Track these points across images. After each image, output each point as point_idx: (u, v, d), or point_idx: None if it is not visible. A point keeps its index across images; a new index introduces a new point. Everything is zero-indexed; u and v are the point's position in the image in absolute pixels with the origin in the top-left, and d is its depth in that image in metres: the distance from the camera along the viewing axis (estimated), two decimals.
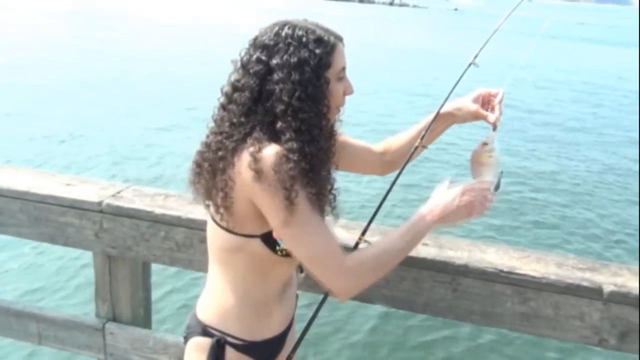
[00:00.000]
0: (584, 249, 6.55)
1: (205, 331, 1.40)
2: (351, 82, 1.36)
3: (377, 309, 4.49)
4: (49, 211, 1.93)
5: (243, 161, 1.20)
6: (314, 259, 1.27)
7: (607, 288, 1.55)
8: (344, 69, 1.31)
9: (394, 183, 1.49)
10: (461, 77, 1.55)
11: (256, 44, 1.27)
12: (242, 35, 1.31)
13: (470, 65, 1.56)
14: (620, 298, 1.53)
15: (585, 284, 1.56)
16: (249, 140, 1.21)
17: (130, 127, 10.34)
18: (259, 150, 1.18)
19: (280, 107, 1.21)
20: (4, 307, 2.11)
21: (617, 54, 32.65)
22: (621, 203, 8.34)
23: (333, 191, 1.38)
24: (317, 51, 1.24)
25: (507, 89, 1.49)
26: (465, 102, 1.53)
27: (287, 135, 1.20)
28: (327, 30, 1.29)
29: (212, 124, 1.32)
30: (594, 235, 7.07)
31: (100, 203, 1.88)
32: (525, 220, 7.35)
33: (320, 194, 1.26)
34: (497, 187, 1.43)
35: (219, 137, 1.25)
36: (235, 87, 1.26)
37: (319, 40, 1.25)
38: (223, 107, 1.29)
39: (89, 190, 1.96)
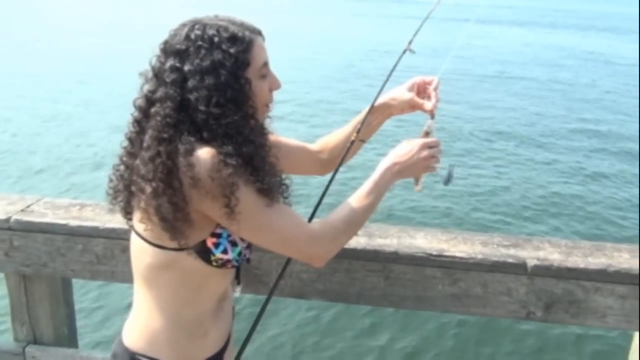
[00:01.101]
0: (511, 225, 6.79)
1: (133, 359, 1.30)
2: (277, 77, 1.31)
3: (312, 304, 4.48)
4: None
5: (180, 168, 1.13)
6: (282, 242, 1.26)
7: (531, 262, 1.59)
8: (266, 64, 1.25)
9: (331, 181, 1.45)
10: (396, 64, 1.53)
11: (167, 50, 1.18)
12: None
13: (405, 51, 1.54)
14: (543, 271, 1.59)
15: (510, 260, 1.60)
16: (181, 147, 1.12)
17: (39, 135, 9.74)
18: (192, 154, 1.11)
19: (201, 117, 1.14)
20: None
21: (543, 34, 34.38)
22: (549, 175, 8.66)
23: (284, 182, 1.36)
24: (232, 50, 1.17)
25: (444, 75, 1.49)
26: (399, 91, 1.51)
27: (218, 142, 1.14)
28: (241, 25, 1.22)
29: (126, 143, 1.22)
30: (521, 209, 7.34)
31: (7, 220, 1.75)
32: (459, 202, 7.54)
33: (270, 188, 1.21)
34: (449, 179, 1.45)
35: (146, 155, 1.15)
36: (152, 99, 1.17)
37: (233, 38, 1.18)
38: (138, 122, 1.19)
39: None
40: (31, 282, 1.85)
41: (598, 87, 16.48)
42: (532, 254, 1.64)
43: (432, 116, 1.46)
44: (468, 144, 10.23)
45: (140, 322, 1.32)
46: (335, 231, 1.29)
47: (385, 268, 1.65)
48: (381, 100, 1.53)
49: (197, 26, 1.18)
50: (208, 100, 1.13)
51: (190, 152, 1.11)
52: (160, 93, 1.15)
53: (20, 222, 1.74)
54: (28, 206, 1.82)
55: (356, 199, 1.33)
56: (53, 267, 1.77)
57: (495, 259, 1.61)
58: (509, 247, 1.67)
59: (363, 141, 1.54)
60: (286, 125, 10.12)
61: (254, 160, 1.17)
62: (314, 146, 1.63)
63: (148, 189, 1.13)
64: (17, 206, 1.82)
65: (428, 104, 1.47)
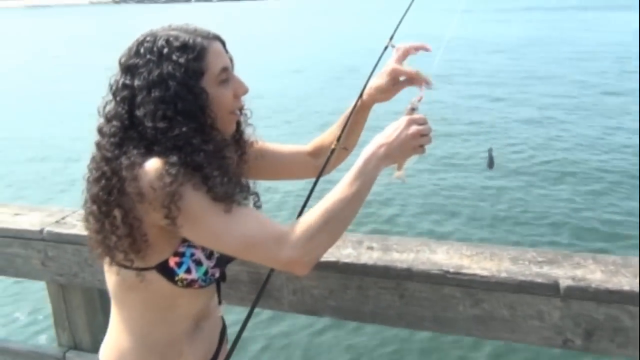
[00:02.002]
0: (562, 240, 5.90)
1: None
2: (242, 80, 1.24)
3: (325, 321, 4.21)
4: None
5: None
6: (246, 246, 1.13)
7: (564, 283, 1.38)
8: (225, 69, 1.19)
9: (310, 192, 1.35)
10: (378, 61, 1.41)
11: (122, 67, 1.16)
12: None
13: (386, 48, 1.42)
14: (578, 293, 1.37)
15: (539, 280, 1.40)
16: (124, 162, 1.09)
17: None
18: (136, 167, 1.08)
19: (150, 132, 1.10)
20: None
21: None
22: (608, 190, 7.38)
23: (245, 186, 1.25)
24: (182, 60, 1.12)
25: (435, 70, 1.35)
26: (379, 78, 1.40)
27: (167, 154, 1.10)
28: (194, 32, 1.17)
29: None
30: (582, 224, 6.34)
31: (41, 231, 1.84)
32: (504, 214, 6.78)
33: (225, 193, 1.12)
34: (491, 162, 1.32)
35: (92, 176, 1.14)
36: (107, 119, 1.16)
37: (184, 47, 1.13)
38: (97, 145, 1.17)
39: (34, 218, 1.92)
40: (67, 290, 1.94)
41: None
42: (569, 272, 1.42)
43: (422, 86, 1.32)
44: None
45: (112, 342, 1.31)
46: (310, 229, 1.12)
47: (399, 285, 1.52)
48: (366, 96, 1.42)
49: (148, 38, 1.15)
50: (154, 114, 1.09)
51: (133, 165, 1.08)
52: (111, 112, 1.14)
53: (52, 234, 1.83)
54: (63, 218, 1.90)
55: (336, 190, 1.16)
56: (83, 277, 1.84)
57: (522, 278, 1.41)
58: (542, 265, 1.47)
59: (346, 149, 1.42)
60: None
61: (205, 168, 1.10)
62: (308, 148, 1.54)
63: (96, 211, 1.12)
64: (53, 218, 1.91)
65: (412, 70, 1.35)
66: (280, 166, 1.52)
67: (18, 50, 27.13)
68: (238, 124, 1.32)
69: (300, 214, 1.31)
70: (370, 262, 1.53)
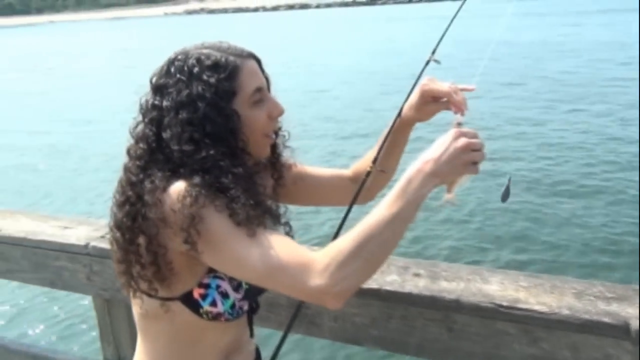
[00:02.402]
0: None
1: None
2: (277, 101, 1.17)
3: (364, 351, 3.91)
4: (45, 256, 1.93)
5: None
6: (270, 273, 1.00)
7: (636, 324, 1.22)
8: (259, 90, 1.13)
9: (344, 219, 1.25)
10: (419, 77, 1.30)
11: (152, 87, 1.12)
12: None
13: (428, 62, 1.31)
14: None
15: (606, 319, 1.24)
16: (148, 185, 1.04)
17: None
18: (161, 191, 1.03)
19: (176, 155, 1.05)
20: (23, 351, 2.14)
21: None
22: None
23: (277, 211, 1.17)
24: (212, 80, 1.06)
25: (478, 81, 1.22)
26: (414, 94, 1.29)
27: (191, 176, 1.04)
28: (226, 50, 1.11)
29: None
30: None
31: (86, 246, 1.84)
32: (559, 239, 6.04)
33: (249, 217, 1.03)
34: (506, 194, 1.17)
35: (117, 200, 1.09)
36: (135, 141, 1.12)
37: (215, 66, 1.07)
38: (124, 167, 1.12)
39: (81, 232, 1.93)
40: (112, 305, 1.93)
41: None
42: None
43: (461, 111, 1.19)
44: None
45: None
46: (341, 254, 0.98)
47: (447, 318, 1.39)
48: (404, 113, 1.31)
49: (179, 57, 1.10)
50: (180, 137, 1.04)
51: (156, 189, 1.02)
52: (139, 133, 1.09)
53: (97, 249, 1.83)
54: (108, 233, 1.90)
55: (375, 212, 1.02)
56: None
57: (587, 316, 1.26)
58: (611, 301, 1.30)
59: (383, 171, 1.31)
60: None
61: (230, 189, 1.03)
62: (349, 172, 1.44)
63: (119, 238, 1.08)
64: (99, 232, 1.91)
65: (446, 85, 1.21)
66: (320, 191, 1.43)
67: (103, 61, 28.48)
68: (274, 146, 1.25)
69: (336, 235, 1.23)
70: (415, 290, 1.42)
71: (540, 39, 23.15)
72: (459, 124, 1.13)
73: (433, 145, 1.08)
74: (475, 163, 1.06)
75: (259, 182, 1.12)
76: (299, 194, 1.38)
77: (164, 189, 1.02)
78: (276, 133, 1.24)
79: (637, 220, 6.11)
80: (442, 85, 1.21)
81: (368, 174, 1.28)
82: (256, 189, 1.09)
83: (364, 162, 1.39)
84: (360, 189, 1.26)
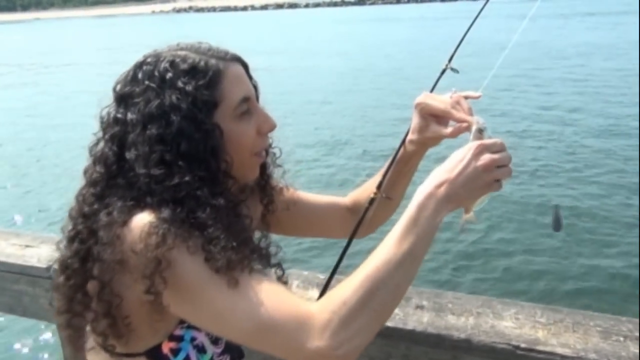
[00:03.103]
0: None
1: None
2: (267, 114, 0.98)
3: None
4: (3, 279, 1.73)
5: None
6: (257, 329, 0.82)
7: None
8: (246, 99, 0.94)
9: (342, 254, 1.06)
10: (434, 87, 1.12)
11: (115, 96, 0.93)
12: None
13: (444, 71, 1.13)
14: None
15: None
16: (103, 219, 0.85)
17: None
18: (117, 224, 0.84)
19: (142, 180, 0.86)
20: None
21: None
22: None
23: (266, 250, 0.96)
24: (189, 87, 0.87)
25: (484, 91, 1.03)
26: (415, 119, 1.07)
27: (160, 207, 0.85)
28: (206, 52, 0.93)
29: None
30: None
31: (48, 268, 1.64)
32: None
33: (230, 262, 0.84)
34: (558, 224, 1.00)
35: (66, 235, 0.91)
36: (92, 162, 0.93)
37: (192, 71, 0.89)
38: (77, 195, 0.93)
39: (43, 252, 1.73)
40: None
41: None
42: None
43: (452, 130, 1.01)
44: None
45: None
46: (348, 308, 0.80)
47: (456, 358, 1.22)
48: (411, 137, 1.10)
49: (148, 60, 0.91)
50: (147, 157, 0.85)
51: (113, 223, 0.83)
52: (97, 153, 0.90)
53: None
54: None
55: (382, 250, 0.84)
56: None
57: None
58: None
59: (389, 198, 1.12)
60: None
61: (208, 227, 0.84)
62: (346, 201, 1.24)
63: (62, 283, 0.89)
64: None
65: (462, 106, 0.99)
66: (314, 220, 1.23)
67: (89, 58, 27.79)
68: (263, 166, 1.07)
69: (327, 284, 1.05)
70: (419, 327, 1.24)
71: (563, 40, 21.95)
72: (481, 131, 0.93)
73: (448, 160, 0.89)
74: (498, 180, 0.89)
75: (244, 213, 0.94)
76: (291, 222, 1.20)
77: (124, 223, 0.83)
78: (266, 151, 1.05)
79: None
80: (441, 100, 1.01)
81: (372, 201, 1.09)
82: (241, 224, 0.90)
83: (363, 190, 1.20)
84: (363, 218, 1.08)
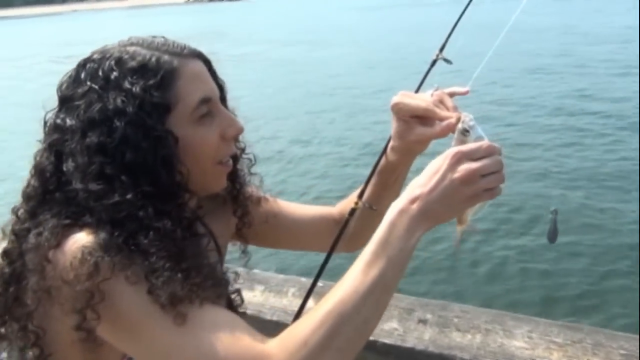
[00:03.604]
0: None
1: None
2: (233, 116, 0.87)
3: None
4: None
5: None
6: None
7: None
8: (206, 100, 0.82)
9: (317, 276, 0.94)
10: (423, 80, 0.99)
11: (58, 98, 0.81)
12: None
13: (435, 62, 1.00)
14: None
15: None
16: (31, 239, 0.75)
17: None
18: (46, 246, 0.72)
19: (81, 196, 0.75)
20: None
21: None
22: None
23: (231, 289, 0.85)
24: (136, 89, 0.76)
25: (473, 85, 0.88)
26: (394, 123, 0.92)
27: (98, 227, 0.74)
28: (160, 48, 0.81)
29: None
30: None
31: None
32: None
33: (177, 296, 0.72)
34: (554, 234, 0.86)
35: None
36: (30, 175, 0.81)
37: (141, 69, 0.78)
38: (12, 211, 0.82)
39: None
40: None
41: None
42: None
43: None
44: None
45: None
46: (308, 349, 0.70)
47: None
48: (393, 144, 0.95)
49: (94, 57, 0.80)
50: (84, 170, 0.74)
51: (40, 246, 0.72)
52: (37, 163, 0.80)
53: None
54: None
55: (349, 278, 0.73)
56: None
57: None
58: None
59: (372, 208, 0.98)
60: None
61: (150, 257, 0.72)
62: (334, 212, 1.11)
63: None
64: None
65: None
66: (297, 233, 1.10)
67: None
68: (234, 175, 0.96)
69: (298, 314, 0.94)
70: (420, 345, 1.13)
71: (562, 24, 20.06)
72: (465, 132, 0.79)
73: (424, 171, 0.76)
74: (491, 189, 0.76)
75: (201, 232, 0.83)
76: (271, 235, 1.09)
77: (57, 245, 0.72)
78: (236, 157, 0.94)
79: None
80: (421, 98, 0.87)
81: (352, 212, 0.97)
82: (194, 246, 0.79)
83: (349, 201, 1.07)
84: (343, 230, 0.96)
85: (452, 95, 0.86)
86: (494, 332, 1.14)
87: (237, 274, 0.88)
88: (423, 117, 0.88)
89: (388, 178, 0.91)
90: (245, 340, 0.72)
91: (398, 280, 0.75)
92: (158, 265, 0.72)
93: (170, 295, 0.71)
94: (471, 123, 0.79)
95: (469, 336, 1.14)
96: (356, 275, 0.72)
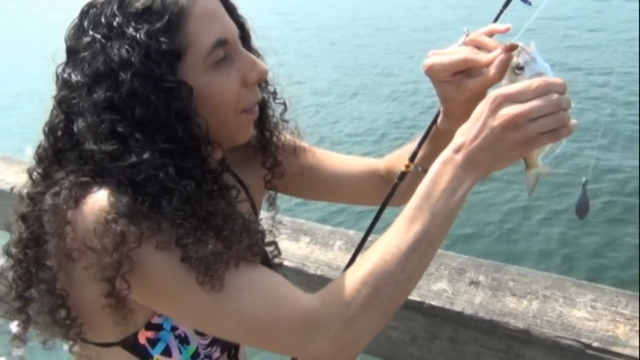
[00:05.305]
0: None
1: None
2: (255, 58, 0.78)
3: None
4: None
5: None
6: (251, 331, 0.72)
7: None
8: (221, 43, 0.73)
9: (364, 238, 0.89)
10: (496, 19, 0.86)
11: (66, 51, 0.75)
12: None
13: (510, 1, 0.86)
14: None
15: None
16: (48, 199, 0.71)
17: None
18: (73, 205, 0.68)
19: (97, 157, 0.69)
20: None
21: None
22: None
23: (266, 242, 0.80)
24: (141, 35, 0.68)
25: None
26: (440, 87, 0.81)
27: (119, 188, 0.69)
28: None
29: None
30: None
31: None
32: None
33: (211, 261, 0.69)
34: (584, 207, 0.76)
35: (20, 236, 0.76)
36: (44, 133, 0.77)
37: (146, 12, 0.70)
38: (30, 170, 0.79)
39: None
40: None
41: None
42: None
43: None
44: None
45: None
46: (352, 308, 0.69)
47: (511, 349, 1.03)
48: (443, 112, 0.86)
49: (97, 1, 0.72)
50: (95, 130, 0.69)
51: (60, 206, 0.68)
52: (48, 123, 0.76)
53: None
54: None
55: (392, 234, 0.70)
56: None
57: None
58: None
59: (424, 171, 0.88)
60: None
61: (177, 222, 0.67)
62: (381, 167, 1.02)
63: (11, 273, 0.77)
64: None
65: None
66: (338, 186, 1.03)
67: None
68: (262, 122, 0.89)
69: (348, 265, 0.89)
70: (469, 310, 1.06)
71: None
72: (518, 70, 0.69)
73: (470, 118, 0.70)
74: (553, 131, 0.65)
75: (230, 184, 0.78)
76: (305, 187, 1.02)
77: (76, 204, 0.69)
78: (264, 103, 0.87)
79: None
80: (454, 50, 0.77)
81: (402, 175, 0.89)
82: (223, 202, 0.73)
83: (398, 157, 0.97)
84: (391, 195, 0.88)
85: (490, 34, 0.75)
86: (553, 299, 1.05)
87: (281, 223, 0.84)
88: (466, 71, 0.77)
89: (445, 142, 0.82)
90: (287, 298, 0.72)
91: (444, 235, 0.70)
92: (187, 231, 0.68)
93: (204, 263, 0.67)
94: (527, 57, 0.68)
95: (525, 302, 1.05)
96: (398, 231, 0.69)
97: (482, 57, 0.74)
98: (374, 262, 0.69)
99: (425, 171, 0.87)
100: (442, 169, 0.70)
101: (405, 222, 0.70)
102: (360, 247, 0.95)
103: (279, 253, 0.85)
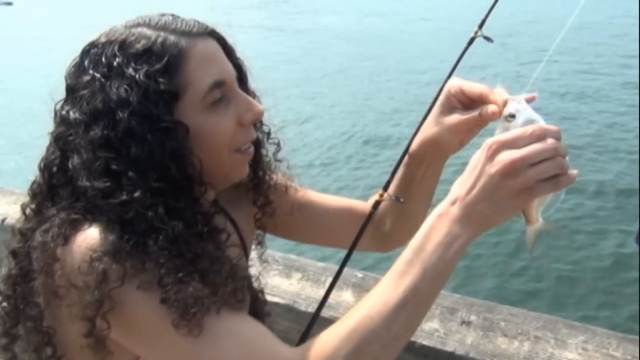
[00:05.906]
0: None
1: None
2: (251, 99, 0.79)
3: None
4: None
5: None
6: None
7: None
8: (218, 84, 0.75)
9: (336, 277, 0.87)
10: (459, 60, 0.88)
11: (65, 87, 0.76)
12: None
13: (473, 40, 0.88)
14: None
15: None
16: (38, 236, 0.71)
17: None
18: (62, 243, 0.68)
19: (90, 194, 0.70)
20: None
21: None
22: None
23: (245, 275, 0.81)
24: (140, 75, 0.70)
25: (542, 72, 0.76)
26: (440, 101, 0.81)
27: (109, 226, 0.68)
28: (167, 27, 0.75)
29: None
30: None
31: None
32: None
33: (190, 305, 0.67)
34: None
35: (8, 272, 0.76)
36: (39, 169, 0.77)
37: (146, 53, 0.72)
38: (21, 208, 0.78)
39: None
40: None
41: None
42: None
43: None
44: None
45: None
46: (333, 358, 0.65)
47: None
48: (420, 136, 0.85)
49: (98, 42, 0.74)
50: (89, 167, 0.70)
51: (48, 244, 0.68)
52: (44, 159, 0.76)
53: None
54: None
55: (380, 290, 0.66)
56: None
57: None
58: None
59: (399, 200, 0.87)
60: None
61: (161, 262, 0.66)
62: (364, 207, 1.01)
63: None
64: None
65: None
66: (324, 228, 1.02)
67: None
68: (256, 162, 0.89)
69: (321, 306, 0.88)
70: (461, 350, 1.05)
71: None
72: (510, 118, 0.68)
73: (467, 168, 0.67)
74: (552, 178, 0.63)
75: (219, 227, 0.77)
76: (293, 227, 1.01)
77: (66, 240, 0.68)
78: (258, 142, 0.87)
79: None
80: (475, 84, 0.77)
81: (376, 204, 0.89)
82: (211, 245, 0.73)
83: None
84: (365, 226, 0.88)
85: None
86: (545, 340, 1.05)
87: (273, 258, 0.82)
88: (470, 103, 0.78)
89: (415, 171, 0.82)
90: (266, 350, 0.68)
91: (436, 294, 0.68)
92: (169, 271, 0.67)
93: (184, 306, 0.66)
94: (518, 106, 0.68)
95: (516, 343, 1.05)
96: (387, 286, 0.65)
97: (494, 95, 0.74)
98: (359, 317, 0.65)
99: (398, 200, 0.88)
100: (436, 222, 0.66)
101: (394, 277, 0.66)
102: (336, 279, 0.91)
103: (263, 299, 0.84)
